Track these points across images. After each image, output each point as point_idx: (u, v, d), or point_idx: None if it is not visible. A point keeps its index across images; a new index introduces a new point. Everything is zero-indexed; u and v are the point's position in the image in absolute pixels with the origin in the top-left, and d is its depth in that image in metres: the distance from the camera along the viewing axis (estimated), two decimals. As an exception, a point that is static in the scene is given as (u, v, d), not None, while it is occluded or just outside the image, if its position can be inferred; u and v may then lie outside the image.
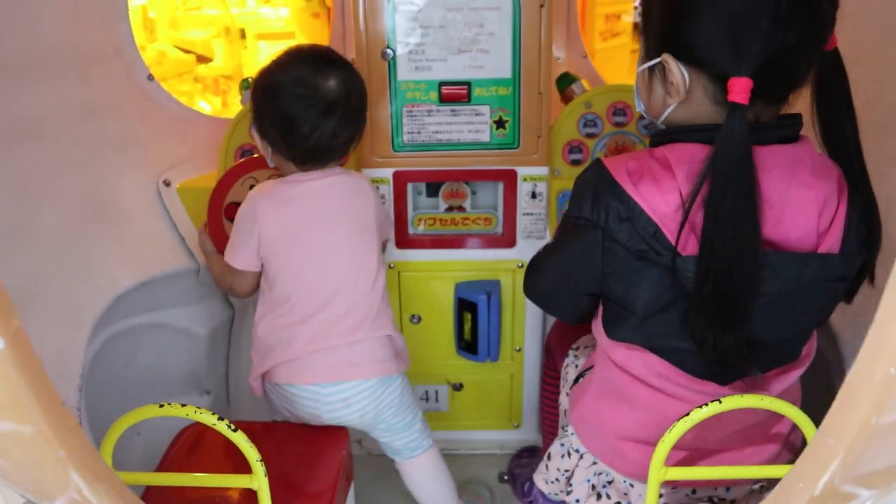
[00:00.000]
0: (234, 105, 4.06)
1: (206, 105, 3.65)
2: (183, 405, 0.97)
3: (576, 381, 1.28)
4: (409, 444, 1.51)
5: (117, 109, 1.63)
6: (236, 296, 1.48)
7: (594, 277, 1.02)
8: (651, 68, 0.99)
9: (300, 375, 1.37)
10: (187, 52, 3.68)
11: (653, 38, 0.98)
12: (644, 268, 0.96)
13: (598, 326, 1.12)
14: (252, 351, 1.43)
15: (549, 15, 1.52)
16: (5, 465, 0.65)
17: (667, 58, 0.94)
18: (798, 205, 0.92)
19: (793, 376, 1.05)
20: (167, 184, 1.68)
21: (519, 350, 1.81)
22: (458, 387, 1.87)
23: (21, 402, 0.51)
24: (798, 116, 0.97)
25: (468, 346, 1.77)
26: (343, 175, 1.39)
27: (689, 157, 0.91)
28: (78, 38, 1.53)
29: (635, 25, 2.56)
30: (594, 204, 0.98)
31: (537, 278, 1.20)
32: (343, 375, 1.38)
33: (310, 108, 1.30)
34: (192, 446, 1.36)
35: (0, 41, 1.34)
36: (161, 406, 0.97)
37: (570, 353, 1.41)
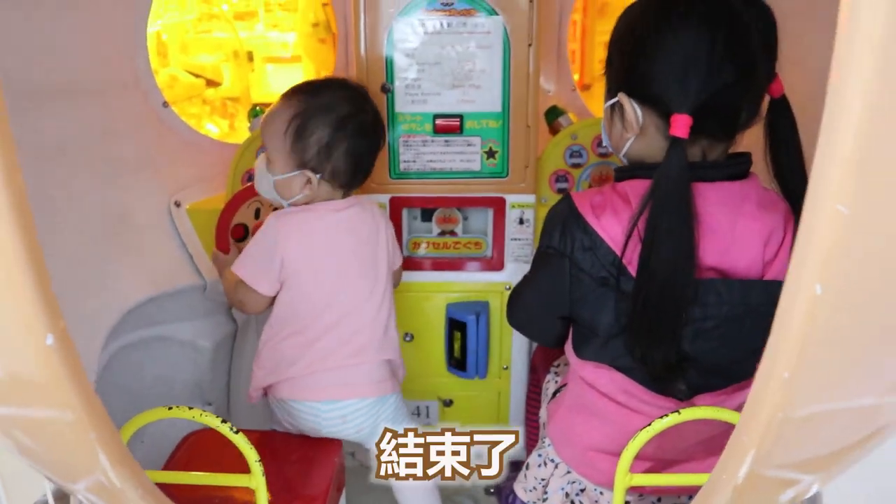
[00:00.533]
0: (240, 128, 4.17)
1: (214, 127, 3.77)
2: (190, 408, 1.06)
3: (554, 395, 1.37)
4: None
5: (134, 134, 1.74)
6: (245, 312, 1.54)
7: (563, 302, 1.12)
8: (612, 106, 1.10)
9: (300, 393, 1.46)
10: (197, 76, 3.80)
11: (612, 78, 1.10)
12: (606, 293, 1.06)
13: (569, 347, 1.21)
14: (255, 364, 1.50)
15: (537, 53, 1.63)
16: (38, 447, 0.75)
17: (622, 96, 1.06)
18: (744, 236, 1.03)
19: (746, 394, 1.14)
20: (178, 204, 1.78)
21: (506, 368, 1.90)
22: (448, 403, 1.95)
23: (63, 390, 0.61)
24: (747, 155, 1.08)
25: (458, 363, 1.85)
26: (359, 205, 1.47)
27: (644, 191, 1.02)
28: (100, 67, 1.64)
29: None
30: (562, 235, 1.08)
31: (517, 306, 1.30)
32: (339, 395, 1.46)
33: (367, 133, 1.43)
34: (195, 452, 1.44)
35: (29, 69, 1.45)
36: (170, 408, 1.06)
37: (552, 369, 1.50)
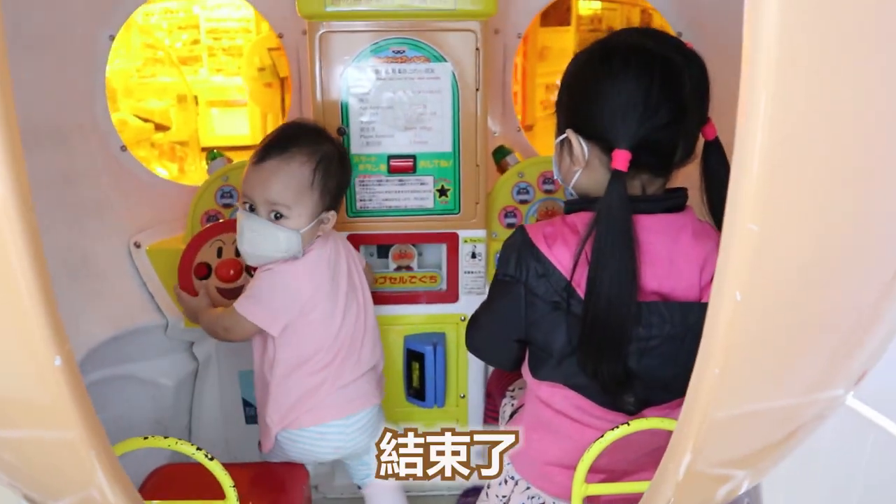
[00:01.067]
0: (189, 171, 4.19)
1: (164, 171, 3.79)
2: (166, 437, 1.11)
3: (511, 417, 1.45)
4: None
5: (93, 177, 1.77)
6: (228, 339, 1.55)
7: (519, 325, 1.21)
8: (561, 142, 1.21)
9: (328, 413, 1.53)
10: (146, 120, 3.84)
11: (562, 117, 1.21)
12: (558, 316, 1.15)
13: (525, 369, 1.29)
14: (270, 408, 1.53)
15: (485, 97, 1.73)
16: (24, 465, 0.79)
17: (570, 133, 1.17)
18: (682, 262, 1.14)
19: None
20: (137, 245, 1.81)
21: (463, 396, 1.96)
22: (406, 432, 2.00)
23: (68, 409, 0.66)
24: (682, 190, 1.20)
25: (417, 393, 1.91)
26: (331, 234, 1.57)
27: (589, 222, 1.12)
28: (60, 112, 1.69)
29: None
30: (517, 264, 1.18)
31: (475, 332, 1.38)
32: (361, 405, 1.56)
33: (349, 166, 1.58)
34: (163, 486, 1.47)
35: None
36: (145, 438, 1.11)
37: (507, 394, 1.58)
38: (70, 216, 1.67)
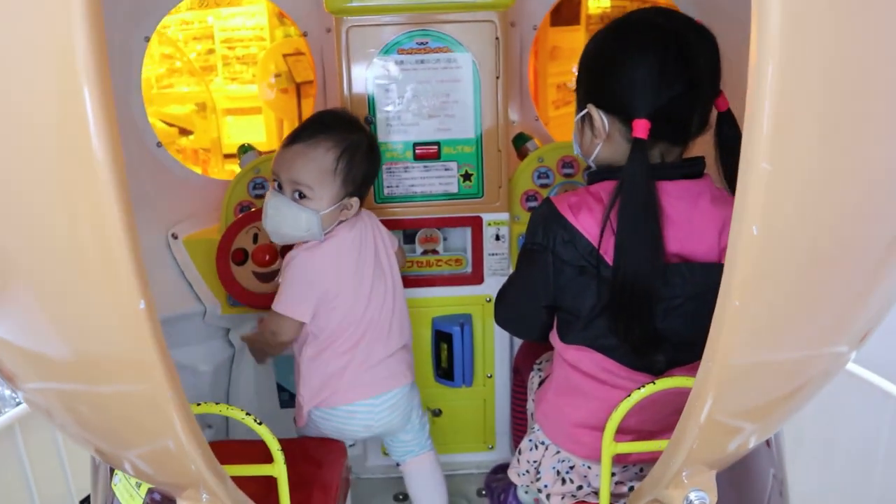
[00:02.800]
0: (213, 173, 4.28)
1: (189, 174, 3.89)
2: (217, 403, 1.18)
3: (538, 386, 1.51)
4: (421, 441, 1.73)
5: (131, 172, 1.82)
6: (278, 342, 1.58)
7: (548, 291, 1.27)
8: (582, 118, 1.27)
9: (357, 393, 1.59)
10: (171, 125, 3.93)
11: (582, 93, 1.28)
12: (586, 280, 1.22)
13: (554, 334, 1.35)
14: (302, 387, 1.61)
15: (505, 85, 1.80)
16: (99, 417, 0.86)
17: (591, 107, 1.23)
18: (701, 226, 1.20)
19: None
20: (175, 237, 1.89)
21: (490, 376, 2.02)
22: (437, 412, 2.05)
23: (150, 353, 0.73)
24: (700, 158, 1.26)
25: (445, 373, 1.97)
26: (360, 217, 1.61)
27: (613, 190, 1.18)
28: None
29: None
30: (545, 232, 1.24)
31: (503, 305, 1.44)
32: (390, 385, 1.62)
33: (377, 153, 1.62)
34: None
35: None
36: (198, 405, 1.17)
37: (535, 367, 1.63)
38: (111, 209, 1.74)
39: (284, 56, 4.77)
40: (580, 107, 1.29)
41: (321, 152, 1.50)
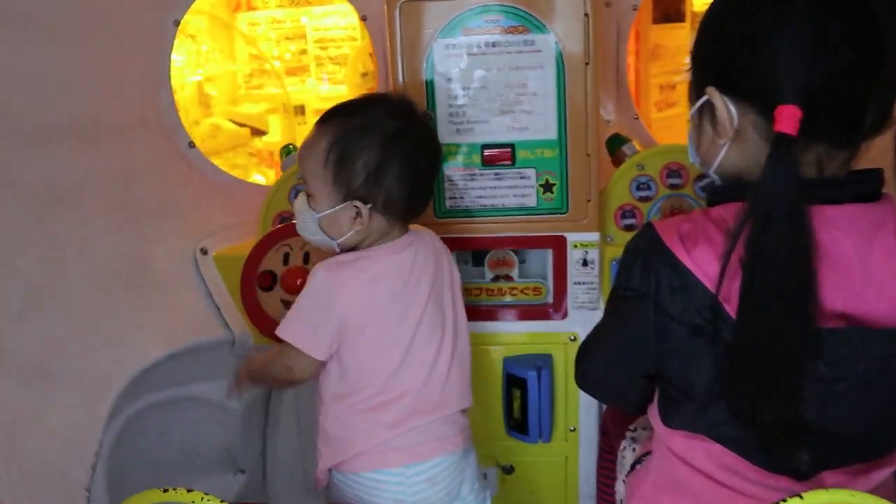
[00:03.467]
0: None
1: (262, 178, 3.72)
2: (189, 490, 0.89)
3: (632, 467, 1.15)
4: None
5: (156, 176, 1.64)
6: (292, 380, 1.32)
7: (647, 357, 0.93)
8: (700, 110, 0.93)
9: (385, 461, 1.27)
10: (242, 125, 3.77)
11: (700, 74, 0.93)
12: (702, 345, 0.86)
13: (653, 412, 1.01)
14: (320, 442, 1.32)
15: (595, 73, 1.47)
16: None
17: (711, 91, 0.88)
18: (881, 274, 0.82)
19: (884, 473, 0.91)
20: (204, 252, 1.66)
21: (573, 430, 1.69)
22: (508, 469, 1.75)
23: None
24: (877, 171, 0.87)
25: (518, 425, 1.66)
26: (419, 241, 1.31)
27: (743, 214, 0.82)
28: (119, 105, 1.56)
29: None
30: (644, 273, 0.90)
31: (587, 365, 1.10)
32: (432, 452, 1.29)
33: (421, 150, 1.28)
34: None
35: (41, 106, 1.35)
36: (165, 491, 0.89)
37: (628, 434, 1.29)
38: (128, 218, 1.53)
39: (371, 55, 4.61)
40: (697, 93, 0.93)
41: (314, 142, 1.25)
